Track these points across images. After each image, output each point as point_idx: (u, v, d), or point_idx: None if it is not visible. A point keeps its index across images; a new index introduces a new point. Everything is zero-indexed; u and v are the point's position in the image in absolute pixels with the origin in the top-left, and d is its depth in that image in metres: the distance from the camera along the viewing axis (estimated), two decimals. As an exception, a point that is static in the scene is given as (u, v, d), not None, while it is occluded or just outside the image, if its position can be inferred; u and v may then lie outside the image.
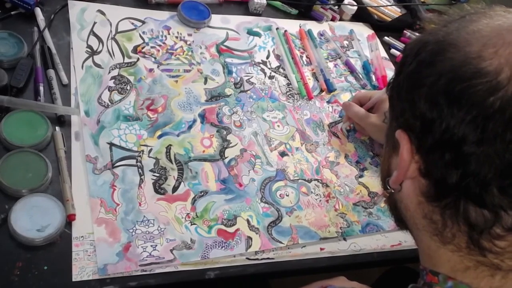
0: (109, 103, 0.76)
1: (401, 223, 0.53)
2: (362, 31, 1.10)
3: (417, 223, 0.48)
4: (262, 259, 0.68)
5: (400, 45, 1.10)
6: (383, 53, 1.07)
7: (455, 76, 0.41)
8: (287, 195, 0.76)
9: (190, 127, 0.78)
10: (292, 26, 1.02)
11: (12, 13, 0.79)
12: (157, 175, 0.71)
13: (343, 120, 0.89)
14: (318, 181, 0.80)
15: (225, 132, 0.80)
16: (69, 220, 0.62)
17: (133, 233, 0.64)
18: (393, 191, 0.50)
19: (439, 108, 0.41)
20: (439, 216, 0.44)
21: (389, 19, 1.14)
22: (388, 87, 0.51)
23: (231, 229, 0.69)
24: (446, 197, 0.43)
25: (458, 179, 0.41)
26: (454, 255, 0.45)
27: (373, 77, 1.00)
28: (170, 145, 0.75)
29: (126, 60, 0.82)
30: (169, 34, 0.89)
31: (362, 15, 1.11)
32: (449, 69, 0.41)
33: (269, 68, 0.93)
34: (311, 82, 0.94)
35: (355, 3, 1.09)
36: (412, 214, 0.48)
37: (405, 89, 0.46)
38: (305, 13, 1.06)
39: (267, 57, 0.94)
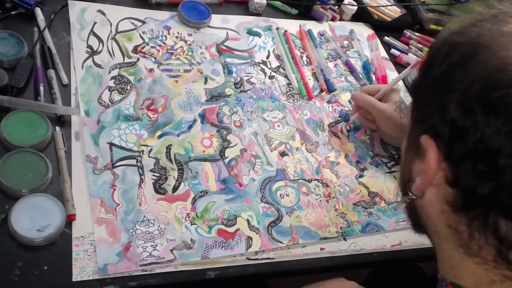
0: (109, 103, 0.76)
1: (419, 228, 0.51)
2: (362, 31, 1.10)
3: (439, 232, 0.46)
4: (262, 259, 0.68)
5: (400, 45, 1.10)
6: (383, 53, 1.07)
7: (491, 82, 0.39)
8: (287, 195, 0.76)
9: (190, 127, 0.78)
10: (292, 26, 1.02)
11: (12, 13, 0.79)
12: (157, 175, 0.71)
13: (350, 112, 0.90)
14: (318, 181, 0.80)
15: (225, 132, 0.80)
16: (69, 220, 0.62)
17: (133, 233, 0.64)
18: (414, 197, 0.48)
19: (473, 116, 0.39)
20: (465, 227, 0.43)
21: (389, 19, 1.14)
22: (412, 88, 0.49)
23: (231, 229, 0.69)
24: (475, 208, 0.41)
25: (490, 192, 0.39)
26: (479, 267, 0.43)
27: (373, 77, 1.00)
28: (170, 145, 0.75)
29: (126, 60, 0.82)
30: (169, 34, 0.89)
31: (362, 15, 1.11)
32: (484, 74, 0.39)
33: (269, 68, 0.93)
34: (311, 82, 0.94)
35: (355, 3, 1.09)
36: (434, 222, 0.47)
37: (433, 92, 0.44)
38: (305, 13, 1.06)
39: (267, 57, 0.94)
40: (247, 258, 0.67)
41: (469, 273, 0.44)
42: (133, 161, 0.71)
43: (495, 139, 0.38)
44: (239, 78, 0.88)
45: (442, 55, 0.44)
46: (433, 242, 0.50)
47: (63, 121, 0.71)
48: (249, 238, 0.69)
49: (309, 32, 1.02)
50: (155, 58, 0.85)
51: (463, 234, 0.43)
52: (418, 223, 0.51)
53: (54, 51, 0.78)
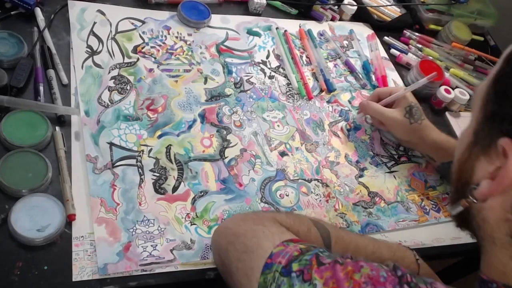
0: (109, 103, 0.76)
1: (467, 227, 0.50)
2: (362, 31, 1.10)
3: (495, 238, 0.45)
4: (262, 259, 0.68)
5: (400, 45, 1.10)
6: (383, 53, 1.07)
7: None
8: (287, 195, 0.76)
9: (190, 127, 0.78)
10: (292, 26, 1.02)
11: (12, 13, 0.79)
12: (157, 175, 0.71)
13: (357, 112, 0.90)
14: (318, 181, 0.80)
15: (225, 132, 0.80)
16: (69, 220, 0.62)
17: (133, 233, 0.64)
18: (475, 201, 0.46)
19: None
20: None
21: (389, 19, 1.14)
22: (496, 80, 0.44)
23: (231, 229, 0.69)
24: None
25: None
26: None
27: (373, 77, 1.01)
28: (170, 145, 0.75)
29: (126, 60, 0.82)
30: (169, 34, 0.90)
31: (362, 15, 1.12)
32: None
33: (269, 68, 0.93)
34: (311, 82, 0.94)
35: (354, 3, 1.09)
36: (491, 227, 0.45)
37: None
38: (305, 13, 1.06)
39: (267, 57, 0.94)
40: (247, 258, 0.67)
41: None
42: (133, 161, 0.71)
43: None
44: (239, 78, 0.88)
45: None
46: (482, 245, 0.48)
47: (63, 121, 0.71)
48: (249, 238, 0.69)
49: (309, 32, 1.02)
50: (155, 58, 0.85)
51: None
52: (466, 222, 0.49)
53: (54, 51, 0.78)
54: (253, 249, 0.53)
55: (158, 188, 0.70)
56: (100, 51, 0.82)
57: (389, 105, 0.86)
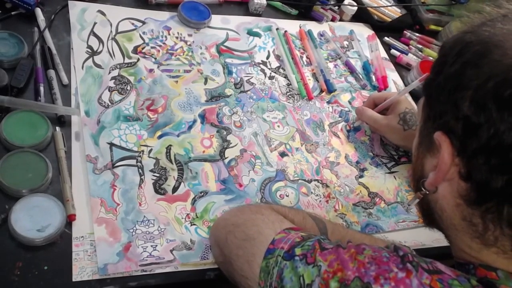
0: (109, 103, 0.76)
1: (432, 223, 0.53)
2: (362, 31, 1.10)
3: (456, 224, 0.48)
4: (262, 259, 0.68)
5: (400, 46, 1.10)
6: (383, 53, 1.07)
7: (505, 80, 0.40)
8: (287, 196, 0.76)
9: (190, 127, 0.78)
10: (292, 26, 1.02)
11: (13, 13, 0.79)
12: (157, 175, 0.71)
13: (355, 119, 0.91)
14: (318, 182, 0.80)
15: (225, 133, 0.80)
16: (69, 220, 0.62)
17: (133, 233, 0.64)
18: (427, 192, 0.50)
19: (487, 113, 0.40)
20: (480, 219, 0.44)
21: (389, 20, 1.14)
22: (424, 87, 0.50)
23: (231, 229, 0.69)
24: (488, 201, 0.43)
25: (503, 185, 0.41)
26: (499, 257, 0.45)
27: (373, 78, 1.01)
28: (170, 145, 0.75)
29: (126, 60, 0.82)
30: (169, 34, 0.90)
31: (362, 16, 1.12)
32: (497, 72, 0.41)
33: (269, 69, 0.93)
34: (311, 83, 0.94)
35: (355, 4, 1.09)
36: (449, 215, 0.48)
37: (446, 90, 0.45)
38: (305, 14, 1.06)
39: (267, 58, 0.94)
40: (247, 259, 0.67)
41: (492, 261, 0.45)
42: (133, 161, 0.71)
43: (508, 134, 0.39)
44: (239, 79, 0.88)
45: (454, 54, 0.45)
46: (448, 234, 0.51)
47: (63, 121, 0.71)
48: (249, 238, 0.69)
49: (309, 32, 1.02)
50: (155, 58, 0.85)
51: (478, 226, 0.45)
52: (431, 218, 0.52)
53: (54, 51, 0.78)
54: (254, 236, 0.55)
55: (158, 188, 0.70)
56: (101, 52, 0.82)
57: (385, 109, 0.87)
